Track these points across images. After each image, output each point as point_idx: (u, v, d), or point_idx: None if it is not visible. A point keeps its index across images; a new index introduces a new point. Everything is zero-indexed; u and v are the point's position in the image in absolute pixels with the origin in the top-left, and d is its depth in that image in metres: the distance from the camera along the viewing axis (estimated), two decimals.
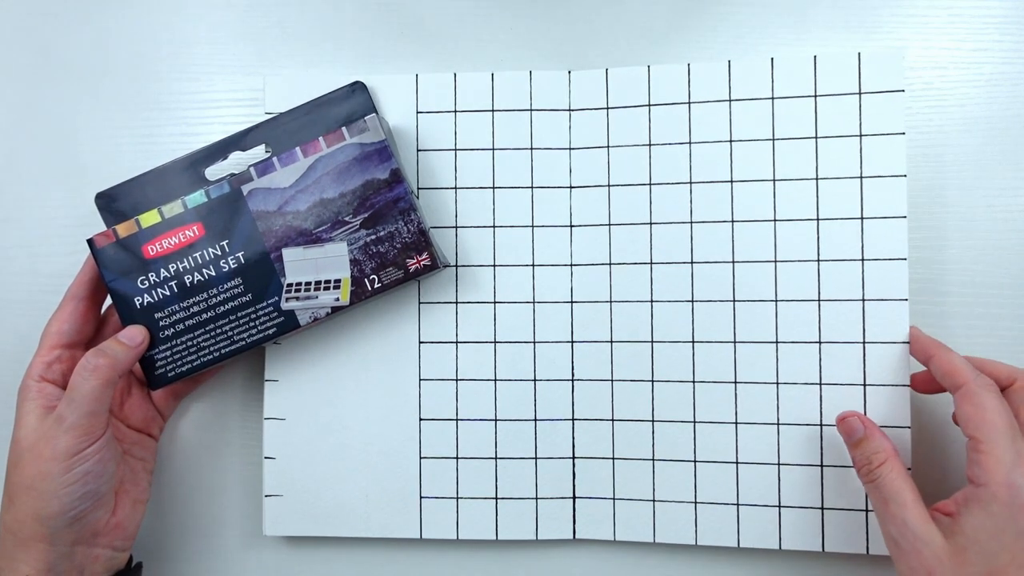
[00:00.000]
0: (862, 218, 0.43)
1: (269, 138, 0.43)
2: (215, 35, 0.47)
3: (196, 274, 0.41)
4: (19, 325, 0.47)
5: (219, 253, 0.41)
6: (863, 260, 0.43)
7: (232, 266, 0.41)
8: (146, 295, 0.41)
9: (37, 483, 0.37)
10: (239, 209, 0.41)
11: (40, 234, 0.47)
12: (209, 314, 0.41)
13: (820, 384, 0.43)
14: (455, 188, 0.45)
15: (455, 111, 0.45)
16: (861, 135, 0.43)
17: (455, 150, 0.45)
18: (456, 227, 0.45)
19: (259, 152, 0.43)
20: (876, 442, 0.39)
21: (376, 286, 0.41)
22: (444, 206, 0.45)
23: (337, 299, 0.41)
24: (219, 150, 0.43)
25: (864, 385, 0.42)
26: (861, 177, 0.43)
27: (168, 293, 0.41)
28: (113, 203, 0.43)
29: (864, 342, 0.42)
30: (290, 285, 0.41)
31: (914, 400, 0.43)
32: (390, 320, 0.45)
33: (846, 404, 0.42)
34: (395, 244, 0.41)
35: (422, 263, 0.41)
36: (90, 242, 0.41)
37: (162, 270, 0.41)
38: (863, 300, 0.42)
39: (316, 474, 0.44)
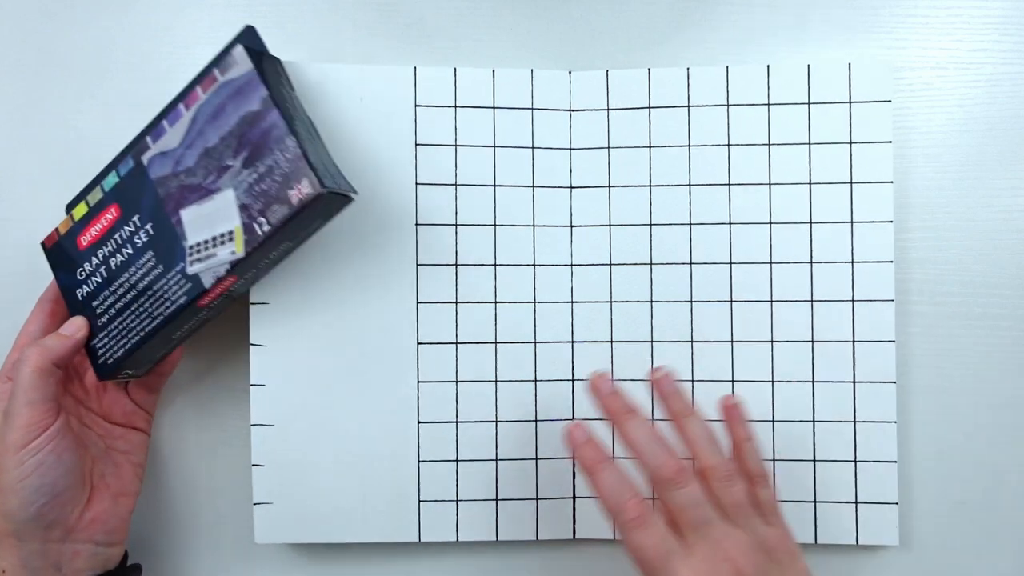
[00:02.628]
0: (852, 222, 0.44)
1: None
2: (215, 35, 0.47)
3: (118, 255, 0.40)
4: (19, 325, 0.46)
5: (133, 229, 0.40)
6: (852, 263, 0.43)
7: (144, 240, 0.40)
8: (84, 286, 0.41)
9: None
10: (143, 180, 0.40)
11: (40, 234, 0.47)
12: (132, 294, 0.40)
13: (813, 382, 0.44)
14: (455, 185, 0.45)
15: (455, 106, 0.45)
16: (851, 142, 0.44)
17: (455, 146, 0.45)
18: (456, 224, 0.44)
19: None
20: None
21: (265, 229, 0.38)
22: (444, 203, 0.45)
23: (233, 252, 0.38)
24: (143, 135, 0.42)
25: (854, 383, 0.43)
26: (851, 183, 0.44)
27: (100, 280, 0.41)
28: (73, 207, 0.43)
29: (854, 341, 0.43)
30: (192, 247, 0.39)
31: (900, 396, 0.44)
32: (388, 320, 0.44)
33: (837, 401, 0.43)
34: (275, 177, 0.38)
35: (303, 192, 0.37)
36: (42, 244, 0.42)
37: (93, 258, 0.41)
38: (852, 301, 0.44)
39: (310, 480, 0.44)
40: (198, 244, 0.39)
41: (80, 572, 0.40)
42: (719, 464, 0.38)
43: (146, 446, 0.44)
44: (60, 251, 0.41)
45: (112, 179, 0.41)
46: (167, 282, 0.40)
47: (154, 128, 0.41)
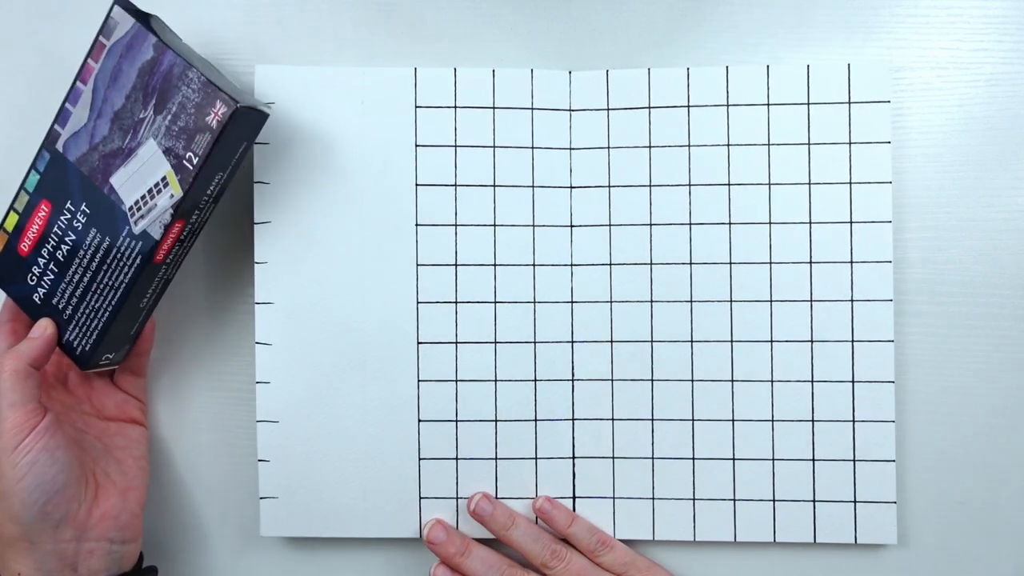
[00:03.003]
0: (851, 222, 0.44)
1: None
2: (215, 35, 0.47)
3: (63, 245, 0.41)
4: None
5: (69, 216, 0.41)
6: (851, 263, 0.44)
7: (83, 221, 0.41)
8: (39, 288, 0.42)
9: None
10: (64, 167, 0.41)
11: None
12: (88, 275, 0.41)
13: (812, 381, 0.44)
14: (455, 185, 0.45)
15: (455, 107, 0.45)
16: (850, 143, 0.44)
17: (455, 146, 0.45)
18: (456, 225, 0.45)
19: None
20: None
21: (196, 162, 0.39)
22: (444, 203, 0.45)
23: (172, 195, 0.40)
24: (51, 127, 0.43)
25: (852, 382, 0.43)
26: (850, 183, 0.44)
27: (52, 276, 0.41)
28: (3, 221, 0.43)
29: (852, 341, 0.44)
30: (131, 208, 0.41)
31: (899, 395, 0.44)
32: (388, 320, 0.44)
33: (835, 400, 0.44)
34: (189, 111, 0.39)
35: (220, 113, 0.39)
36: None
37: (40, 258, 0.42)
38: (851, 301, 0.44)
39: (314, 475, 0.44)
40: (136, 202, 0.40)
41: (97, 572, 0.40)
42: (546, 557, 0.43)
43: (145, 438, 0.45)
44: (3, 266, 0.42)
45: (33, 178, 0.42)
46: (118, 250, 0.41)
47: (59, 115, 0.41)
